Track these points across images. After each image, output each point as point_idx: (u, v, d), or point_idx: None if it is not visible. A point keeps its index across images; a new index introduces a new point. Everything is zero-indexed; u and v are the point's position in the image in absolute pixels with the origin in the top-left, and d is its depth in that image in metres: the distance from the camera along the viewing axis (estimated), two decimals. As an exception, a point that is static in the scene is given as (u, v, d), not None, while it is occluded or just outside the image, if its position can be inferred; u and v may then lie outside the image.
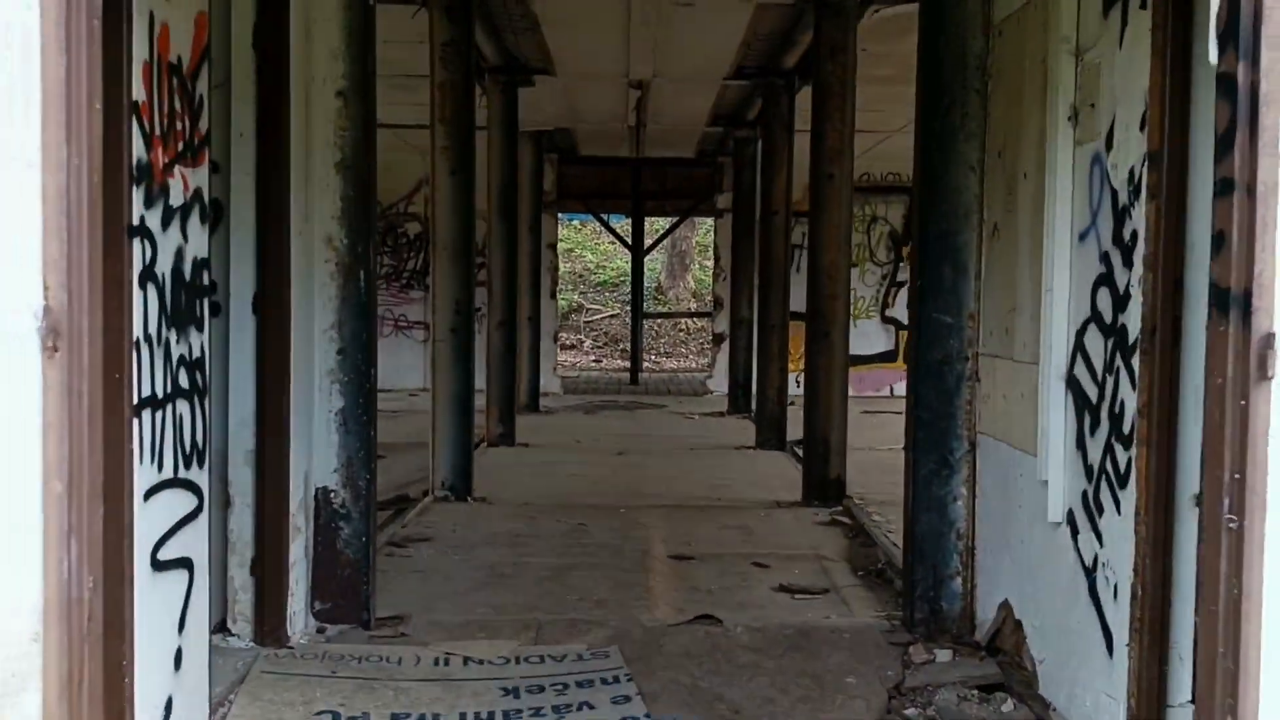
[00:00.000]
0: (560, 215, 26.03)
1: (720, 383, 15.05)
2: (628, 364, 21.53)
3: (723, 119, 12.25)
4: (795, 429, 10.10)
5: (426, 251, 13.96)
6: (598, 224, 21.87)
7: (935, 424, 4.43)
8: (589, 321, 25.37)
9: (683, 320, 24.60)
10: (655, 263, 25.75)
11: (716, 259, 15.07)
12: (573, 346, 24.59)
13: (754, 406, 12.32)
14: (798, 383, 15.15)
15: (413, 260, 15.04)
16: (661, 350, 24.34)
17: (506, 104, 9.66)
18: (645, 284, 22.08)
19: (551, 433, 10.87)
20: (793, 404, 10.47)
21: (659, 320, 24.46)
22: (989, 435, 4.27)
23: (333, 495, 4.45)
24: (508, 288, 9.81)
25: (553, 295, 15.00)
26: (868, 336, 14.87)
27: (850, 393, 14.13)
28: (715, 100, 10.83)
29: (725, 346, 15.02)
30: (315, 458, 4.42)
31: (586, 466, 8.70)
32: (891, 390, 14.80)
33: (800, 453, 9.28)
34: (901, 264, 14.98)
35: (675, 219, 21.01)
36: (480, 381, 10.33)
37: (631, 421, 12.00)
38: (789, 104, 9.68)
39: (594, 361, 23.61)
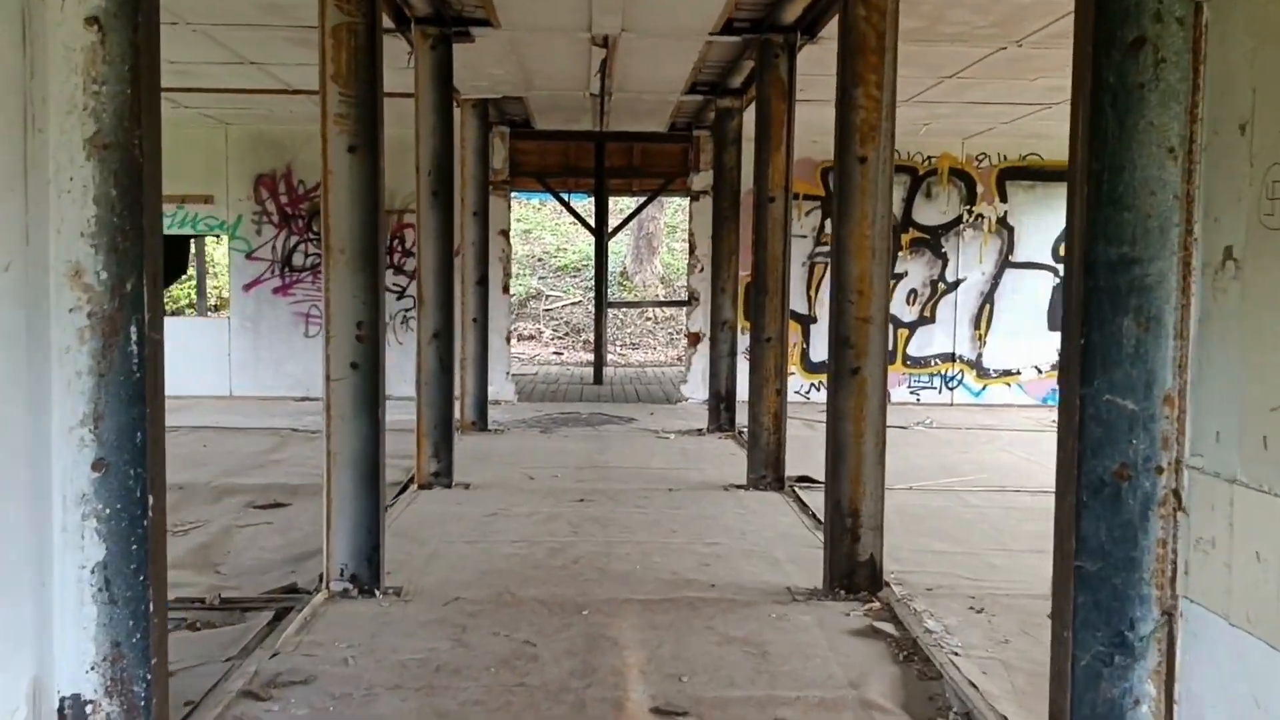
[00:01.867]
0: (517, 194, 24.22)
1: (696, 388, 13.27)
2: (591, 357, 19.75)
3: (703, 86, 10.40)
4: (795, 461, 8.34)
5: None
6: (558, 203, 19.98)
7: (1104, 579, 2.65)
8: (549, 310, 23.47)
9: (650, 308, 22.75)
10: (620, 245, 23.88)
11: (691, 247, 13.23)
12: (531, 337, 22.73)
13: (739, 427, 10.56)
14: (803, 394, 13.53)
15: (343, 249, 13.04)
16: (628, 341, 22.51)
17: (438, 64, 7.76)
18: (610, 269, 20.25)
19: (499, 464, 9.02)
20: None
21: (625, 309, 22.61)
22: (1212, 610, 2.50)
23: (90, 710, 2.60)
24: (443, 291, 7.93)
25: (505, 289, 13.12)
26: (862, 335, 13.09)
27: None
28: (696, 62, 8.96)
29: (703, 349, 13.22)
30: (56, 648, 2.57)
31: (538, 526, 6.86)
32: (889, 396, 13.06)
33: (804, 497, 7.52)
34: (901, 254, 13.24)
35: (643, 199, 19.17)
36: (407, 411, 8.50)
37: (596, 443, 10.17)
38: (789, 66, 7.85)
39: (554, 355, 21.76)
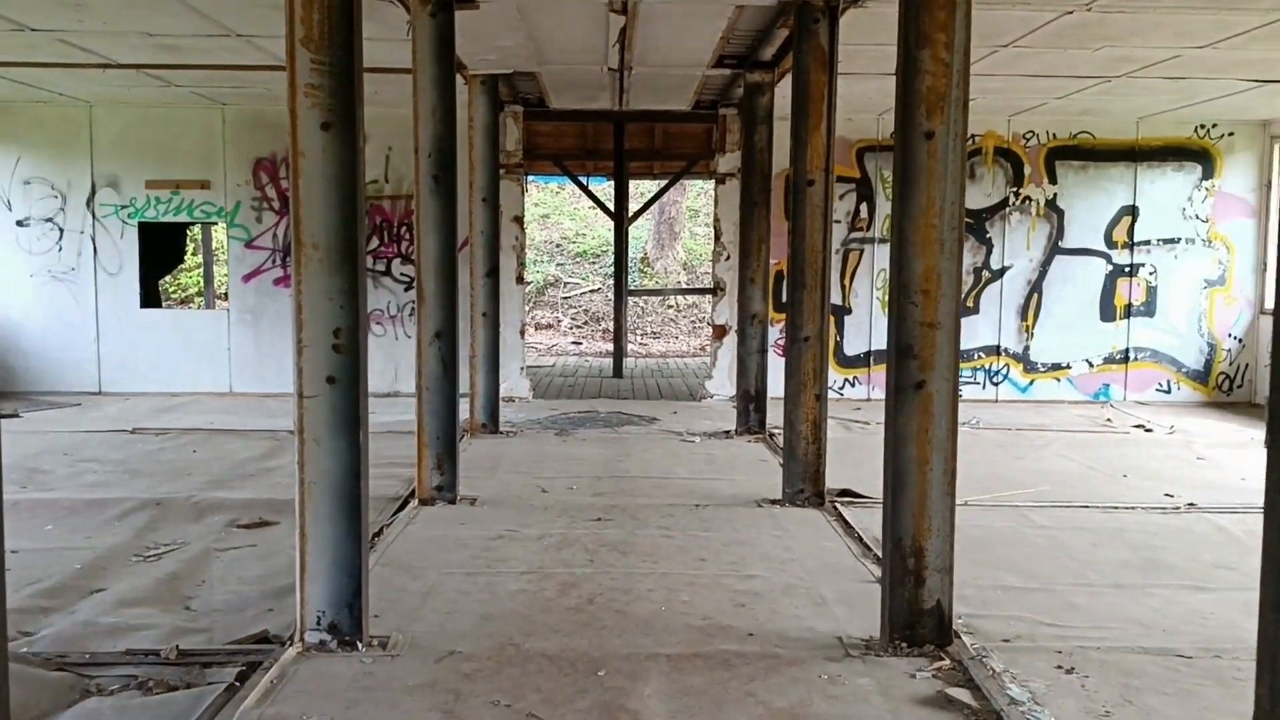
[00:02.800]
0: (534, 178, 23.43)
1: (721, 384, 12.46)
2: (610, 347, 18.97)
3: (731, 59, 9.56)
4: (833, 469, 7.55)
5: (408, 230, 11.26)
6: (576, 187, 19.18)
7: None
8: (567, 298, 22.68)
9: (672, 296, 21.93)
10: (641, 230, 23.06)
11: (717, 234, 12.40)
12: (549, 326, 21.98)
13: (770, 428, 9.77)
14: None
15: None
16: (649, 330, 21.71)
17: (439, 33, 6.96)
18: (630, 255, 19.45)
19: (510, 473, 8.26)
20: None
21: (646, 297, 21.79)
22: None
23: None
24: (445, 286, 7.15)
25: (520, 280, 12.32)
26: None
27: (878, 395, 11.72)
28: (724, 30, 8.12)
29: (729, 342, 12.41)
30: None
31: (549, 553, 6.09)
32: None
33: (847, 516, 6.74)
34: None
35: (664, 182, 18.34)
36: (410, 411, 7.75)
37: (615, 447, 9.39)
38: (830, 33, 7.00)
39: (573, 344, 20.99)
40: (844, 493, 7.40)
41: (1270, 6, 7.07)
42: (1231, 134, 12.21)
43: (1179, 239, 12.37)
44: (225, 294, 17.67)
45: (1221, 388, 12.48)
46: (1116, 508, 7.28)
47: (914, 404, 4.51)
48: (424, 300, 7.13)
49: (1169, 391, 12.49)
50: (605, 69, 9.59)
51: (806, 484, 7.26)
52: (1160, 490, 7.86)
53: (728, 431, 10.15)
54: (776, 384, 10.00)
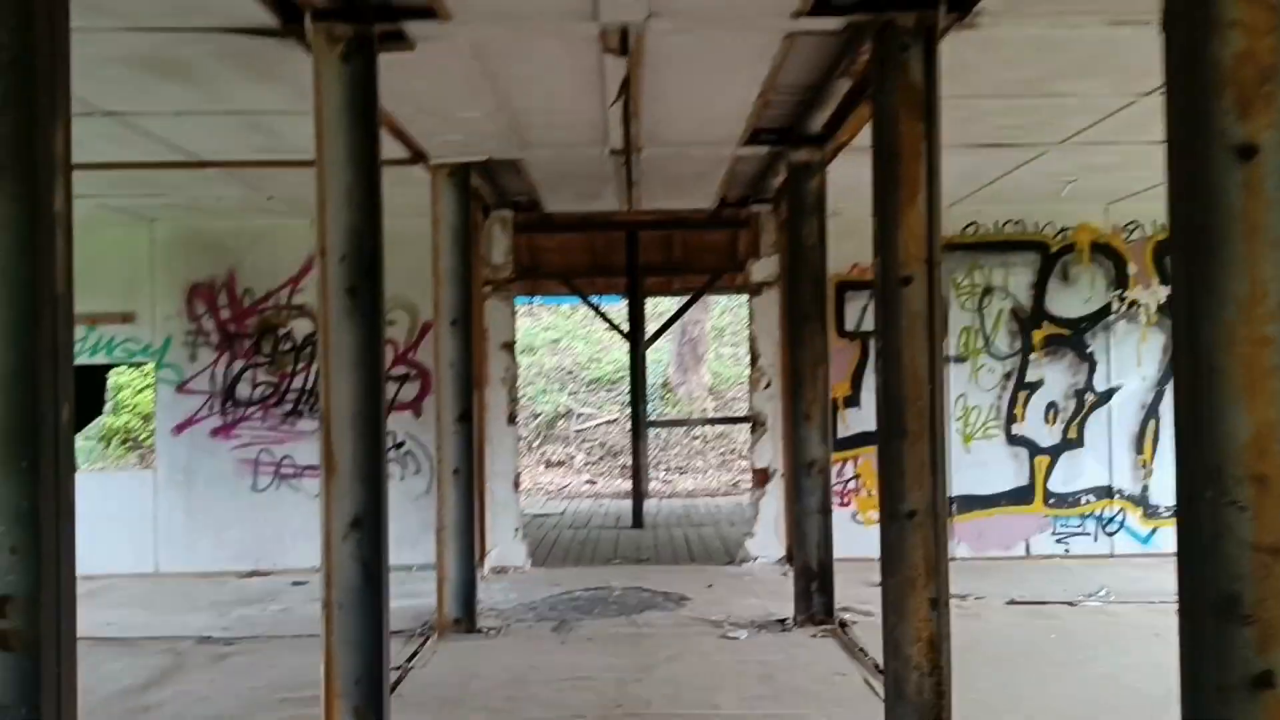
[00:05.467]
0: (540, 300, 21.35)
1: (766, 543, 9.97)
2: (629, 485, 16.53)
3: (769, 134, 7.37)
4: (969, 709, 5.01)
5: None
6: (588, 308, 17.05)
7: None
8: (580, 431, 20.32)
9: (698, 426, 19.52)
10: (661, 353, 20.81)
11: (754, 357, 10.07)
12: (561, 463, 19.56)
13: (838, 614, 7.28)
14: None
15: (303, 374, 10.07)
16: (673, 464, 19.24)
17: (354, 83, 4.76)
18: (650, 380, 17.16)
19: (478, 716, 5.75)
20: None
21: (669, 428, 19.41)
22: None
23: None
24: (367, 446, 4.77)
25: (511, 419, 9.97)
26: (986, 466, 9.84)
27: (964, 553, 9.06)
28: (766, 81, 5.91)
29: (773, 491, 9.95)
30: None
31: None
32: (1028, 547, 9.72)
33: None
34: (1033, 356, 9.98)
35: (685, 299, 16.16)
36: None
37: (632, 655, 6.87)
38: (927, 64, 4.76)
39: (587, 484, 18.53)
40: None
41: None
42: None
43: (1328, 346, 9.93)
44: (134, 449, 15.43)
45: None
46: None
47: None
48: (333, 472, 4.75)
49: (1331, 537, 9.86)
50: (606, 151, 7.40)
51: (923, 736, 4.72)
52: None
53: (782, 621, 7.61)
54: (842, 545, 7.57)
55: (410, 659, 6.79)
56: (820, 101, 6.52)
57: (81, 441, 18.34)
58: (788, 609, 7.79)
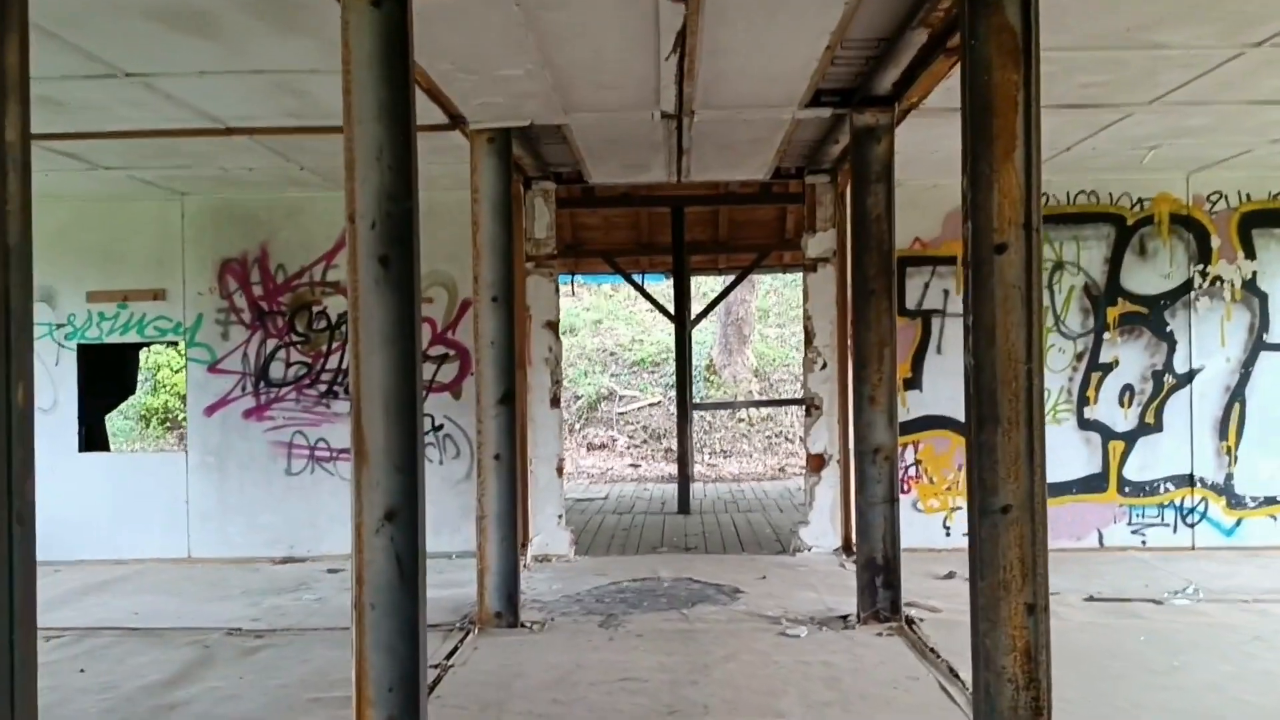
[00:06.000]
0: (583, 279, 20.93)
1: (822, 532, 9.49)
2: (673, 469, 16.11)
3: (831, 94, 6.85)
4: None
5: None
6: (631, 288, 16.59)
7: None
8: (623, 413, 19.88)
9: (744, 409, 19.02)
10: (705, 334, 20.34)
11: (808, 337, 9.55)
12: (603, 446, 19.16)
13: (904, 610, 6.80)
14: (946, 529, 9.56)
15: (338, 354, 9.70)
16: (718, 448, 18.77)
17: (386, 31, 4.30)
18: (694, 362, 16.69)
19: None
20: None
21: (714, 410, 18.93)
22: None
23: None
24: (402, 431, 4.33)
25: (555, 402, 9.54)
26: (1057, 451, 9.25)
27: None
28: (837, 29, 5.38)
29: (829, 477, 9.46)
30: None
31: None
32: (1101, 538, 9.14)
33: None
34: (1106, 336, 9.39)
35: (731, 278, 15.66)
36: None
37: (685, 654, 6.41)
38: (1024, 4, 4.23)
39: (630, 466, 18.12)
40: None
41: None
42: None
43: None
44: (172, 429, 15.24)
45: None
46: None
47: None
48: (364, 460, 4.32)
49: None
50: (657, 115, 6.91)
51: (1019, 761, 4.22)
52: None
53: (845, 617, 7.12)
54: (903, 536, 7.06)
55: (449, 656, 6.38)
56: (891, 56, 5.98)
57: (120, 421, 18.18)
58: (849, 604, 7.31)
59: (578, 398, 20.03)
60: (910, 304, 9.43)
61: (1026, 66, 4.24)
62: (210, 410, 9.73)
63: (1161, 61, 5.83)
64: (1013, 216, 4.25)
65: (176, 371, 18.38)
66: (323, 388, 9.68)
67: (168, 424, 19.06)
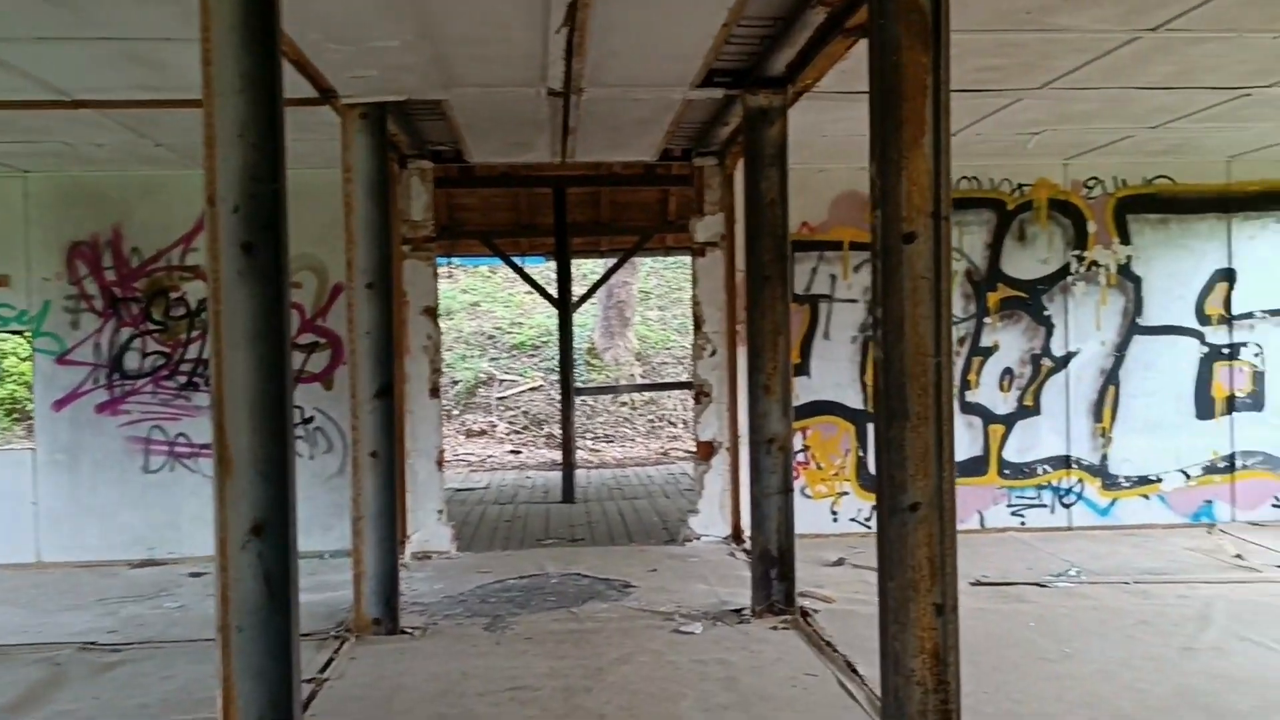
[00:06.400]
0: (461, 261, 20.39)
1: (711, 520, 9.35)
2: (557, 455, 15.85)
3: (724, 75, 6.63)
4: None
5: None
6: (511, 270, 16.17)
7: None
8: (503, 398, 19.48)
9: (627, 394, 18.83)
10: (586, 317, 20.09)
11: (697, 322, 9.37)
12: (482, 432, 18.74)
13: (798, 601, 6.70)
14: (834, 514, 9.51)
15: (198, 343, 9.09)
16: (600, 433, 18.55)
17: (248, -8, 3.88)
18: (575, 345, 16.39)
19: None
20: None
21: (597, 395, 18.70)
22: None
23: None
24: (269, 436, 3.94)
25: (434, 392, 9.14)
26: (941, 436, 9.23)
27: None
28: (732, 10, 5.14)
29: (719, 465, 9.31)
30: None
31: None
32: (982, 519, 9.24)
33: None
34: (987, 320, 9.46)
35: (613, 261, 15.40)
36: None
37: (578, 659, 6.15)
38: (933, -22, 4.06)
39: (511, 453, 17.74)
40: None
41: None
42: (1347, 173, 9.55)
43: (1288, 309, 9.61)
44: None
45: (1356, 499, 9.62)
46: None
47: None
48: (228, 468, 3.91)
49: (1288, 506, 9.60)
50: (544, 91, 6.59)
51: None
52: None
53: (739, 610, 6.97)
54: (795, 522, 6.94)
55: (324, 669, 5.98)
56: (787, 36, 5.79)
57: (-40, 414, 16.93)
58: (742, 596, 7.16)
59: (455, 383, 19.54)
60: (799, 289, 9.33)
61: (936, 48, 4.08)
62: (60, 404, 9.02)
63: (1057, 45, 5.77)
64: (922, 205, 4.08)
65: (25, 359, 17.20)
66: (182, 379, 9.07)
67: (15, 416, 17.85)
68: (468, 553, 9.24)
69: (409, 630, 6.71)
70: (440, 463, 9.21)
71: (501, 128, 7.71)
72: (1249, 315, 9.58)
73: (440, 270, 20.37)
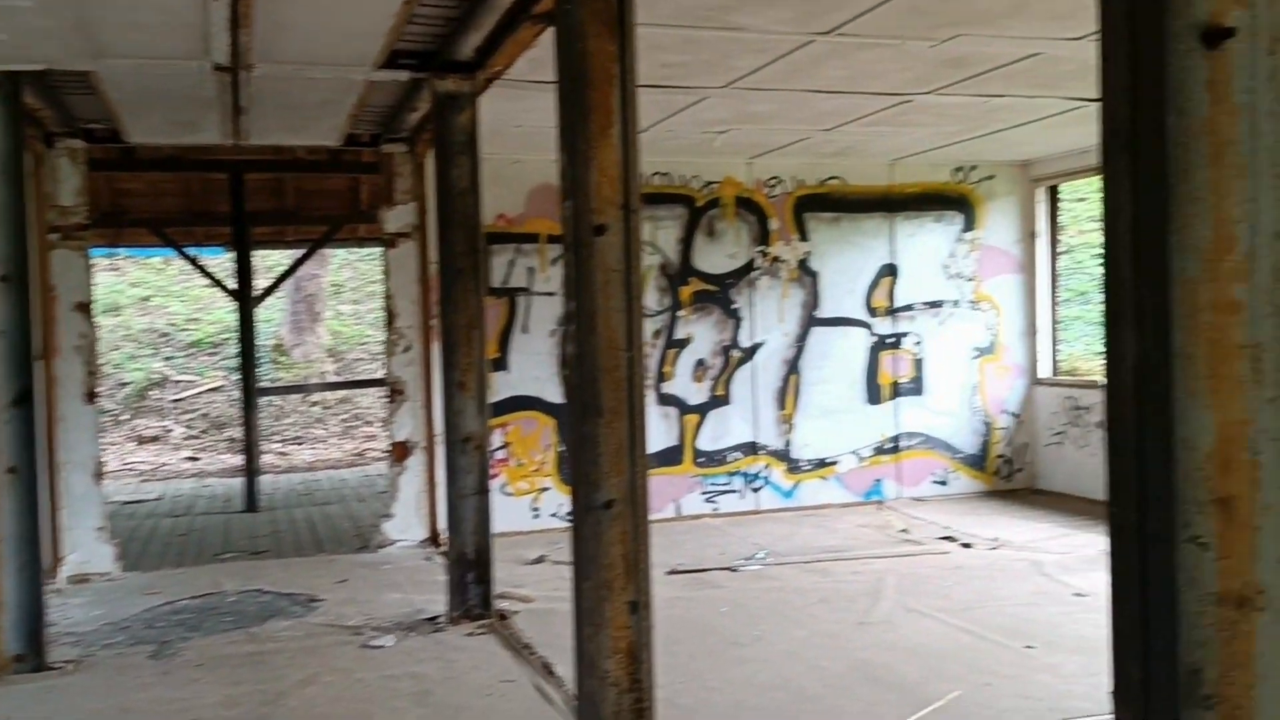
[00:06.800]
0: (131, 252, 18.71)
1: (406, 524, 9.00)
2: (239, 461, 14.82)
3: (410, 57, 6.31)
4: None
5: None
6: (186, 262, 14.93)
7: None
8: (179, 400, 18.05)
9: (318, 392, 17.93)
10: (272, 312, 18.99)
11: (390, 317, 8.97)
12: (155, 439, 17.27)
13: (495, 605, 6.53)
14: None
15: None
16: (289, 435, 17.57)
17: None
18: (260, 342, 15.40)
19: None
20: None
21: (284, 395, 17.67)
22: None
23: None
24: None
25: (90, 396, 8.21)
26: (637, 428, 9.36)
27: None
28: (413, -14, 4.87)
29: (415, 465, 8.97)
30: None
31: None
32: (679, 509, 9.46)
33: None
34: (680, 313, 9.68)
35: (301, 252, 14.57)
36: None
37: (255, 683, 5.67)
38: (618, -33, 3.97)
39: (189, 460, 16.45)
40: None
41: None
42: (992, 177, 10.50)
43: (943, 301, 10.45)
44: None
45: (1000, 473, 10.63)
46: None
47: None
48: None
49: (945, 483, 10.45)
50: (208, 66, 6.01)
51: (624, 768, 4.03)
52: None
53: (434, 619, 6.69)
54: (495, 520, 6.77)
55: (-49, 720, 5.18)
56: (474, 19, 5.58)
57: None
58: (438, 603, 6.89)
59: (124, 385, 17.91)
60: (496, 282, 9.16)
61: (622, 38, 4.00)
62: None
63: (738, 45, 5.90)
64: (611, 197, 4.00)
65: None
66: None
67: None
68: (134, 572, 8.38)
69: (59, 665, 5.95)
70: (100, 474, 8.30)
71: (163, 105, 7.00)
72: (909, 307, 10.34)
73: (103, 262, 18.70)
